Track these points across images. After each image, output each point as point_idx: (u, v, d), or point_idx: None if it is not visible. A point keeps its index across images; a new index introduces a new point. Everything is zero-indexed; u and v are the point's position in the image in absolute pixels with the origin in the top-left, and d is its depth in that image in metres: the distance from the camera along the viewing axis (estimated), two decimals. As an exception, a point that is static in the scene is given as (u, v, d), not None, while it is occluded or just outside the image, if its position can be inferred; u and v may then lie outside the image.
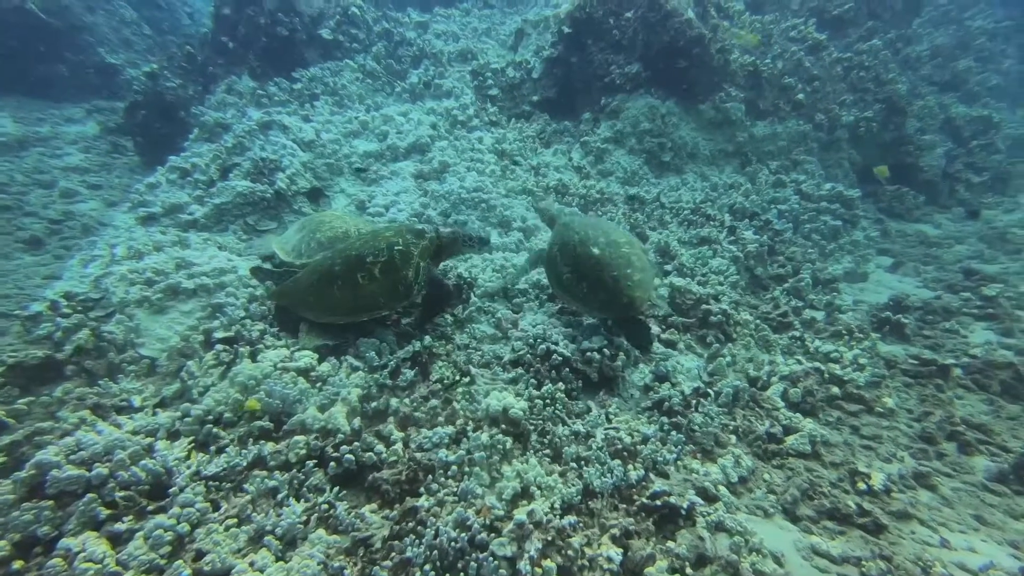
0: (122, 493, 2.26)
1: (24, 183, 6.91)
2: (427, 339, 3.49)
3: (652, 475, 2.91)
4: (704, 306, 4.37)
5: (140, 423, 2.66)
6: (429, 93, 7.29)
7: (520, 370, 3.45)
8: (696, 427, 3.24)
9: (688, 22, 6.35)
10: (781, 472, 3.09)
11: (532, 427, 3.04)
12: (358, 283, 3.33)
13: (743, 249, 5.32)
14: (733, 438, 3.28)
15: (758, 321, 4.52)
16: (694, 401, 3.45)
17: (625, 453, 2.99)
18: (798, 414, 3.50)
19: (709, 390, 3.59)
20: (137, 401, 2.89)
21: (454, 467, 2.71)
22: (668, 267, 5.02)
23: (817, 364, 4.05)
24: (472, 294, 4.17)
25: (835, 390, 3.81)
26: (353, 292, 3.33)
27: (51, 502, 2.20)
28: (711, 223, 5.67)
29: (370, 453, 2.67)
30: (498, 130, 6.51)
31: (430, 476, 2.67)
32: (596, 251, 3.66)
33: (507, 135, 6.42)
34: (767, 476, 3.03)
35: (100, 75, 11.10)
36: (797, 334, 4.48)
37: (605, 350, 3.57)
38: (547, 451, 2.96)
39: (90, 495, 2.21)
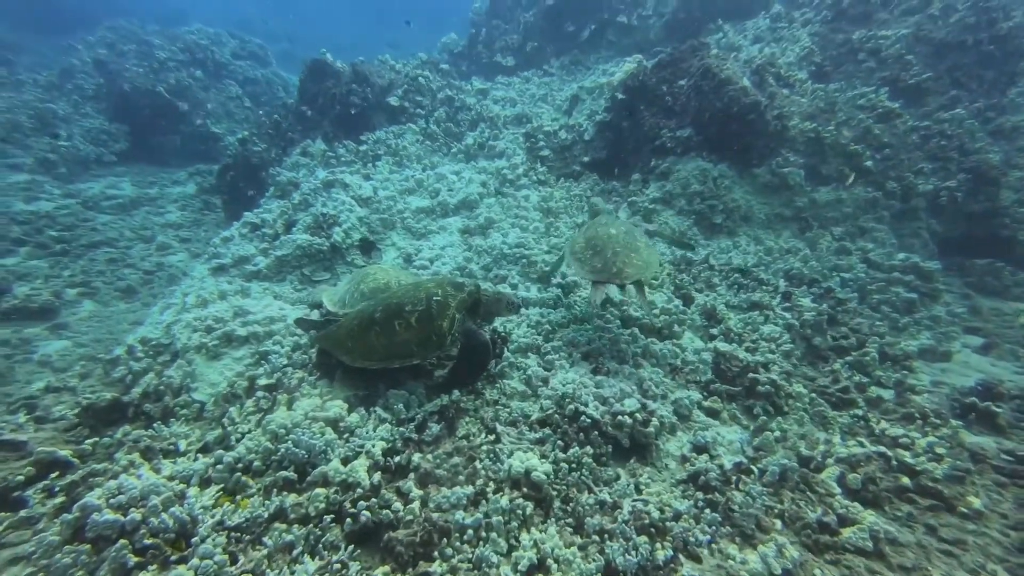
0: (151, 540, 2.35)
1: (130, 238, 7.89)
2: (455, 393, 3.50)
3: (682, 557, 2.68)
4: (751, 374, 4.12)
5: (178, 468, 2.80)
6: (483, 154, 7.68)
7: (547, 430, 3.36)
8: (735, 507, 2.98)
9: (743, 90, 6.37)
10: (835, 569, 2.75)
11: (555, 492, 2.93)
12: (395, 330, 3.42)
13: (799, 317, 5.02)
14: (778, 523, 2.98)
15: (814, 395, 4.17)
16: (735, 477, 3.20)
17: (653, 529, 2.80)
18: (857, 503, 3.14)
19: (753, 466, 3.32)
20: (183, 445, 3.04)
21: (471, 531, 2.64)
22: (714, 331, 4.81)
23: (883, 449, 3.63)
24: (506, 349, 4.17)
25: (905, 480, 3.37)
26: (389, 339, 3.42)
27: (89, 546, 2.31)
28: (763, 288, 5.41)
29: (387, 511, 2.66)
30: (545, 189, 6.70)
31: (445, 539, 2.61)
32: (612, 231, 4.21)
33: (554, 194, 6.58)
34: (817, 572, 2.70)
35: (205, 142, 12.68)
36: (860, 413, 4.08)
37: (637, 415, 3.42)
38: (569, 520, 2.83)
39: (122, 541, 2.32)
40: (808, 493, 3.21)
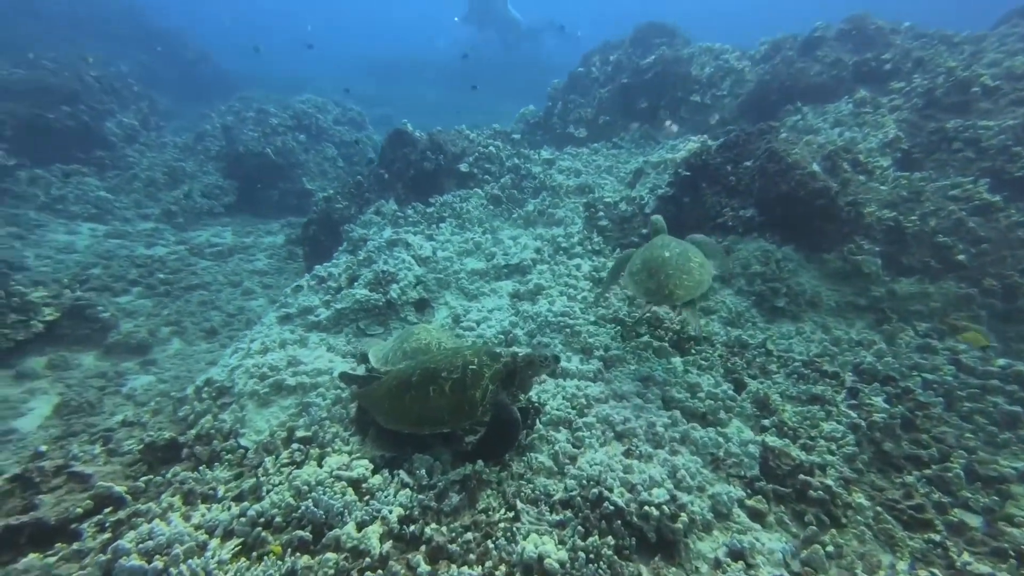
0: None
1: (222, 283, 8.80)
2: (479, 463, 3.48)
3: None
4: (804, 476, 3.76)
5: (206, 517, 2.94)
6: (542, 220, 7.92)
7: (568, 513, 3.24)
8: (770, 634, 2.67)
9: (811, 175, 6.20)
10: None
11: (568, 586, 2.79)
12: (429, 396, 3.50)
13: (867, 417, 4.56)
14: (820, 662, 2.62)
15: (879, 509, 3.71)
16: (772, 597, 2.88)
17: (670, 647, 2.56)
18: (922, 649, 2.70)
19: (795, 586, 2.97)
20: (222, 491, 3.20)
21: (473, 619, 2.56)
22: (766, 422, 4.48)
23: (962, 586, 3.13)
24: (538, 420, 4.12)
25: (991, 630, 2.87)
26: (422, 404, 3.50)
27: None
28: (827, 380, 5.00)
29: (392, 584, 2.65)
30: (599, 259, 6.74)
31: (447, 624, 2.55)
32: (666, 254, 4.54)
33: (607, 264, 6.60)
34: None
35: (299, 197, 14.06)
36: (937, 539, 3.55)
37: (666, 507, 3.21)
38: (580, 621, 2.67)
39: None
40: (860, 629, 2.81)
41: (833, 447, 4.24)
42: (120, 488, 3.07)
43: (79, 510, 2.94)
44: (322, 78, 28.02)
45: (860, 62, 10.08)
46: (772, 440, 4.21)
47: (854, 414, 4.61)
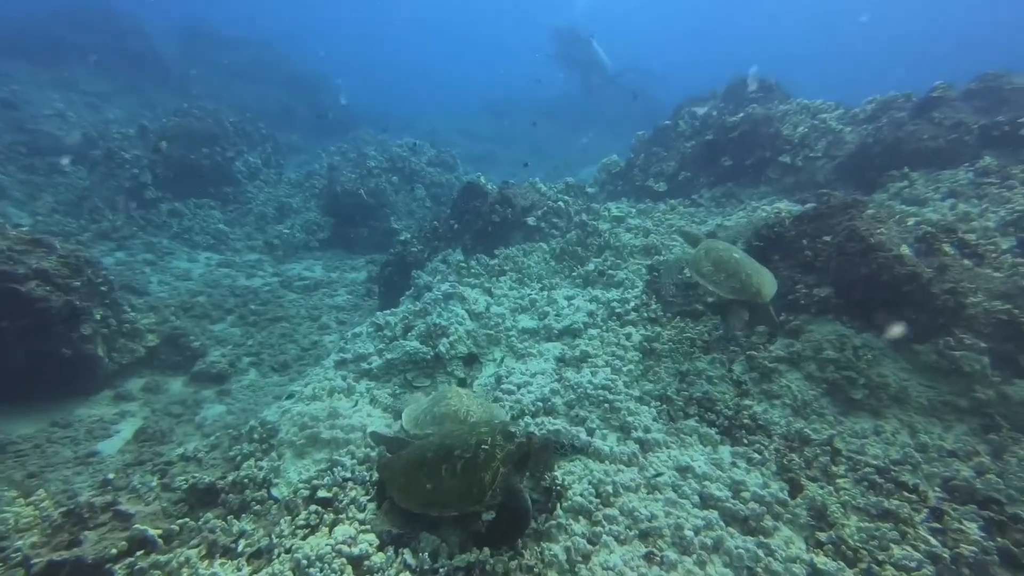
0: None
1: (303, 316, 9.57)
2: (487, 550, 3.40)
3: None
4: (854, 619, 3.25)
5: None
6: (601, 281, 7.78)
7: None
8: None
9: (897, 259, 5.55)
10: None
11: None
12: (440, 475, 3.47)
13: (952, 546, 3.86)
14: None
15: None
16: None
17: None
18: None
19: None
20: (241, 546, 3.32)
21: None
22: (822, 536, 3.95)
23: None
24: (559, 505, 3.97)
25: None
26: (434, 483, 3.46)
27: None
28: (905, 494, 4.32)
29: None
30: (654, 328, 6.44)
31: None
32: (736, 255, 5.41)
33: (662, 334, 6.28)
34: None
35: (385, 236, 15.04)
36: None
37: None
38: None
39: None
40: None
41: (902, 582, 3.63)
42: (155, 532, 3.31)
43: (114, 551, 3.15)
44: (440, 117, 30.50)
45: (989, 125, 8.92)
46: (823, 562, 3.70)
47: (936, 541, 3.92)
